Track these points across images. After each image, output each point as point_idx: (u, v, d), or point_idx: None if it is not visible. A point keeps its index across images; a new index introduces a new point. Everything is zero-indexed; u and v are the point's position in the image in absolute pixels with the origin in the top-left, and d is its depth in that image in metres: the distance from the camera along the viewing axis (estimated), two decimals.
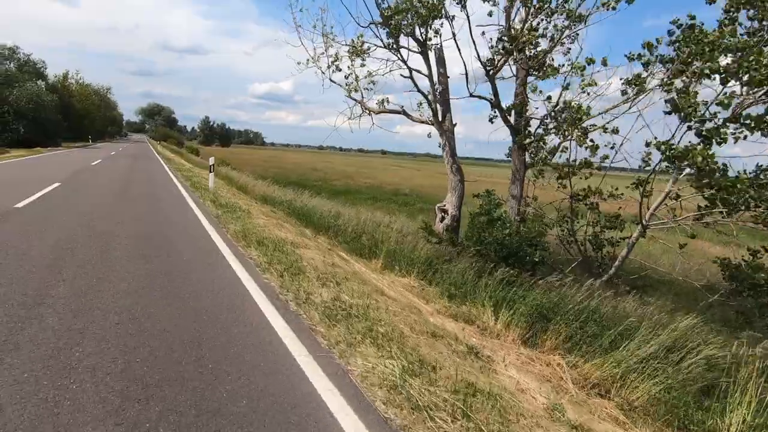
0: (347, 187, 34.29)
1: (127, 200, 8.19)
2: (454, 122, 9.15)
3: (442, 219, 9.04)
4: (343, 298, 3.69)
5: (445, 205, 9.06)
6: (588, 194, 7.39)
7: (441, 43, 8.73)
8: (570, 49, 8.20)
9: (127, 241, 4.89)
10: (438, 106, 8.96)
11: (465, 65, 7.92)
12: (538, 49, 8.10)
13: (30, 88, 26.93)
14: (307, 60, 10.13)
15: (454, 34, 7.90)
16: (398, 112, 9.84)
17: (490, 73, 8.11)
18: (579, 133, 7.23)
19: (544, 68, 8.46)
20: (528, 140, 8.32)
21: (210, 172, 10.62)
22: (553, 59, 8.41)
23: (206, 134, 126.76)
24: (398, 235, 8.56)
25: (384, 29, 8.52)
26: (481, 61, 7.93)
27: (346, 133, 10.78)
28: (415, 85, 8.79)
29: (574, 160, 7.60)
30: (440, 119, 8.99)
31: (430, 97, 9.02)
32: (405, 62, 8.48)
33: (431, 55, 8.70)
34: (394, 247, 7.20)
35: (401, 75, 8.85)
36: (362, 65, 10.03)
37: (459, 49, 7.86)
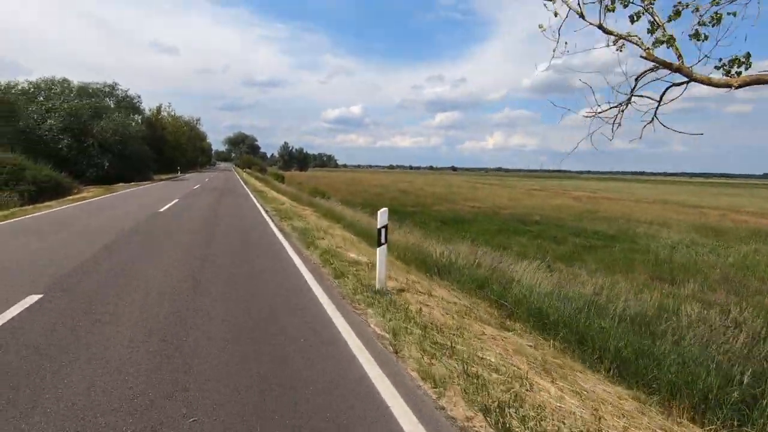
0: (455, 214, 27.46)
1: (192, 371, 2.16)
2: None
3: None
4: None
5: None
6: None
7: None
8: None
9: None
10: None
11: None
12: None
13: (116, 118, 24.41)
14: None
15: None
16: None
17: None
18: None
19: None
20: None
21: (380, 244, 4.33)
22: None
23: (285, 160, 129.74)
24: None
25: None
26: None
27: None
28: None
29: None
30: None
31: None
32: None
33: None
34: None
35: None
36: None
37: None
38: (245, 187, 24.20)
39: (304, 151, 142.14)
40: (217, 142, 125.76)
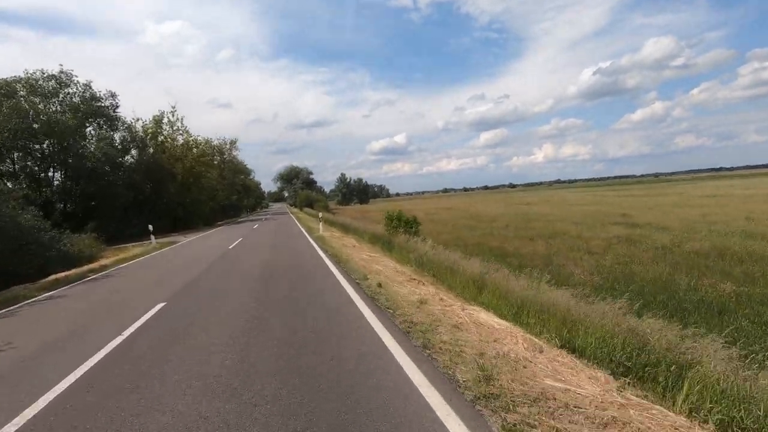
0: None
1: None
2: None
3: None
4: None
5: None
6: None
7: None
8: None
9: None
10: None
11: None
12: None
13: None
14: None
15: None
16: None
17: None
18: None
19: None
20: None
21: None
22: None
23: (343, 193, 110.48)
24: None
25: None
26: None
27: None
28: None
29: None
30: None
31: None
32: None
33: None
34: None
35: None
36: None
37: None
38: None
39: (364, 182, 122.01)
40: (270, 185, 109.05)
